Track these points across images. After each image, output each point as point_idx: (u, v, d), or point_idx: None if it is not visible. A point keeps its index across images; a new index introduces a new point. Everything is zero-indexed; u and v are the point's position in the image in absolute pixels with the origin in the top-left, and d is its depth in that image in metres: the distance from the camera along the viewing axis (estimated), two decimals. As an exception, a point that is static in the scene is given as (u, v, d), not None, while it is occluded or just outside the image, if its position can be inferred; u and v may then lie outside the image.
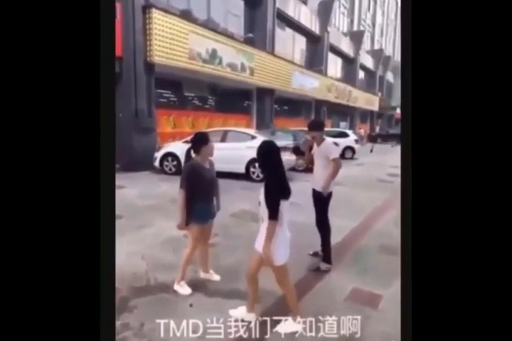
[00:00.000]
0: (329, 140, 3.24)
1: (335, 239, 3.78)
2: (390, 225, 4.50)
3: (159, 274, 2.85)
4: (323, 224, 3.23)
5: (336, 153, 3.06)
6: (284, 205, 1.96)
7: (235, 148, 7.48)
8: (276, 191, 1.93)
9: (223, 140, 7.72)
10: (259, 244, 2.04)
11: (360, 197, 6.24)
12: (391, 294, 2.64)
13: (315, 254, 3.34)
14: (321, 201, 3.17)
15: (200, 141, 2.53)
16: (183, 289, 2.57)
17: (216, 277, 2.78)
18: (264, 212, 1.95)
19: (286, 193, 1.99)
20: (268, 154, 2.01)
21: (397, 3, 35.66)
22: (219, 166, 8.25)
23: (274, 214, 1.89)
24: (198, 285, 2.69)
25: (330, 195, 3.16)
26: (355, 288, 2.73)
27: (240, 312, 2.20)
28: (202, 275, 2.83)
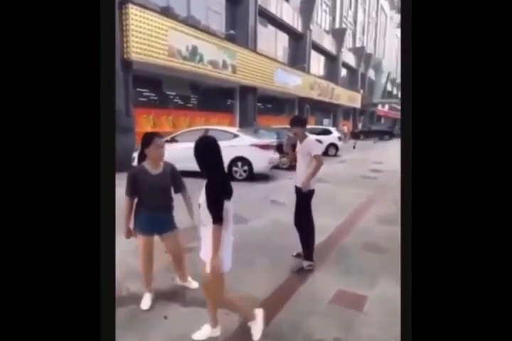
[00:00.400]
0: (311, 137, 3.19)
1: (319, 238, 3.72)
2: (373, 222, 4.49)
3: (132, 284, 2.68)
4: (306, 222, 3.17)
5: (317, 149, 3.01)
6: (228, 206, 1.81)
7: (217, 147, 7.32)
8: (218, 191, 1.77)
9: (205, 139, 7.55)
10: (204, 253, 1.88)
11: (344, 194, 6.22)
12: (376, 295, 2.59)
13: (298, 255, 3.26)
14: (303, 198, 3.12)
15: (143, 143, 2.23)
16: (143, 302, 2.37)
17: (194, 284, 2.61)
18: (205, 215, 1.80)
19: (228, 193, 1.83)
20: (207, 152, 1.86)
21: (377, 1, 36.10)
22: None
23: (217, 218, 1.73)
24: (174, 295, 2.55)
25: (312, 192, 3.11)
26: (340, 290, 2.67)
27: (204, 331, 2.04)
28: (178, 282, 2.66)
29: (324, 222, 4.36)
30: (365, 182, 7.63)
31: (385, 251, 3.47)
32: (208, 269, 1.83)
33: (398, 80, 47.13)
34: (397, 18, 47.08)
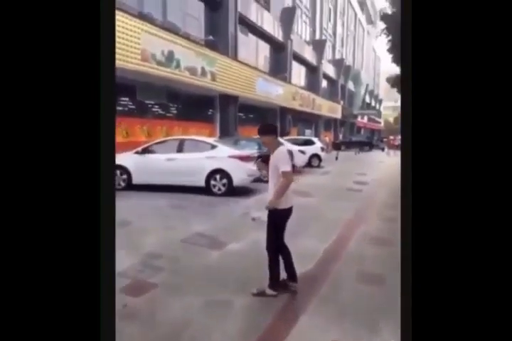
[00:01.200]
0: (284, 148, 2.66)
1: (305, 265, 3.19)
2: (364, 244, 3.99)
3: None
4: (273, 246, 2.71)
5: (285, 165, 2.54)
6: None
7: (192, 159, 6.72)
8: None
9: (180, 150, 6.92)
10: None
11: (329, 210, 5.74)
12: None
13: (260, 293, 2.70)
14: (271, 218, 2.66)
15: None
16: None
17: None
18: None
19: None
20: None
21: (355, 14, 37.08)
22: (175, 179, 7.47)
23: None
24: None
25: (283, 212, 2.66)
26: (336, 343, 2.12)
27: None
28: None
29: (310, 245, 3.84)
30: (350, 195, 7.23)
31: (382, 282, 2.97)
32: None
33: (376, 92, 48.36)
34: (373, 32, 48.70)
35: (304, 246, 3.67)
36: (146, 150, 7.04)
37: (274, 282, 2.72)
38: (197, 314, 2.40)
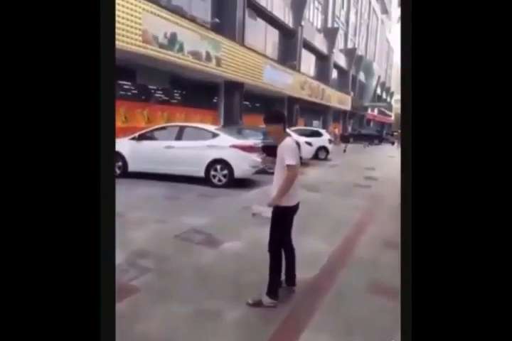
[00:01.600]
0: (291, 139, 2.36)
1: (310, 272, 2.81)
2: (375, 247, 3.59)
3: None
4: (281, 249, 2.43)
5: (291, 158, 2.24)
6: None
7: (192, 148, 6.32)
8: None
9: (179, 137, 6.51)
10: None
11: (337, 207, 5.32)
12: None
13: (256, 304, 2.35)
14: (274, 216, 2.37)
15: None
16: None
17: None
18: None
19: None
20: None
21: (370, 3, 35.74)
22: (173, 168, 7.09)
23: None
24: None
25: (291, 209, 2.37)
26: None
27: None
28: None
29: (316, 247, 3.45)
30: (359, 192, 6.79)
31: (396, 293, 2.56)
32: None
33: (388, 84, 47.12)
34: (388, 22, 47.06)
35: (307, 248, 3.27)
36: (143, 137, 6.65)
37: (274, 289, 2.36)
38: (181, 327, 2.04)
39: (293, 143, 2.34)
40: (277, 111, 2.57)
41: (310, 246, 3.38)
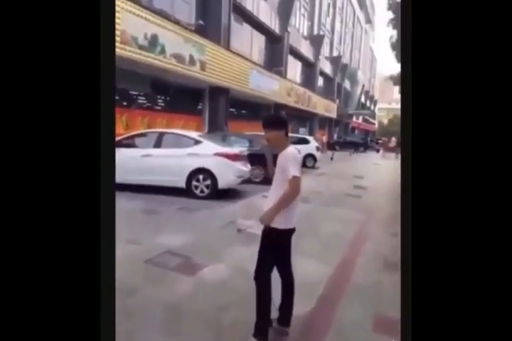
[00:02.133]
0: (294, 149, 2.06)
1: (307, 301, 2.37)
2: (375, 268, 3.18)
3: None
4: (282, 277, 2.10)
5: (296, 169, 1.94)
6: None
7: (172, 156, 5.82)
8: None
9: (158, 145, 6.00)
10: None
11: (330, 220, 4.93)
12: None
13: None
14: (264, 238, 2.01)
15: None
16: None
17: None
18: None
19: None
20: None
21: (354, 12, 36.35)
22: (151, 179, 6.52)
23: None
24: None
25: (287, 233, 2.00)
26: None
27: None
28: None
29: (310, 269, 3.02)
30: (350, 202, 6.45)
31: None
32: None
33: (371, 92, 47.91)
34: (371, 32, 48.13)
35: (302, 269, 2.82)
36: (119, 144, 6.11)
37: (262, 329, 1.93)
38: None
39: (296, 152, 2.05)
40: (279, 116, 2.35)
41: (302, 270, 2.94)
